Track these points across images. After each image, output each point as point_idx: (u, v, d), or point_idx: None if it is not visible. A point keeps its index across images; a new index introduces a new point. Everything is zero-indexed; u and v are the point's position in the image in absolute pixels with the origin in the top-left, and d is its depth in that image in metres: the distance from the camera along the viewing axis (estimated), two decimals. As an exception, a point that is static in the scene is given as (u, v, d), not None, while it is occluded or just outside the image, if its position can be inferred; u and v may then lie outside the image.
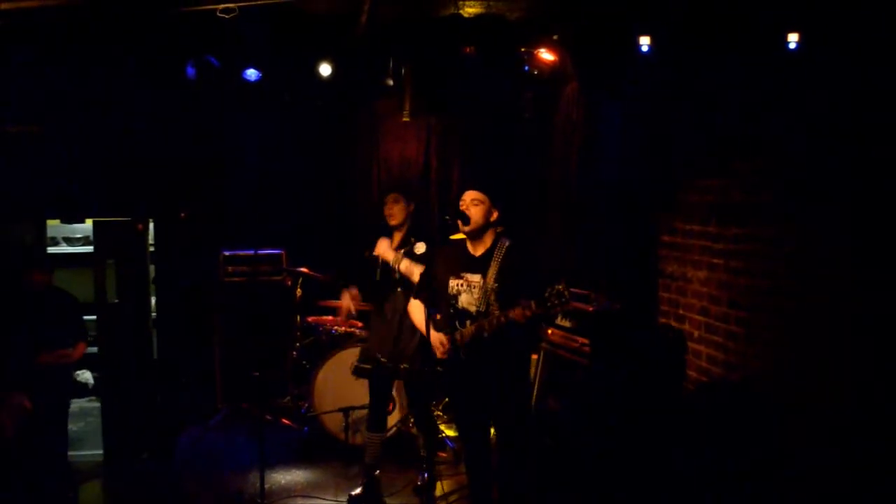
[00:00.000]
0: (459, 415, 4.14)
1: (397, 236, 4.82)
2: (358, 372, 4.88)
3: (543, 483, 4.86)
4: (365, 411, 5.34)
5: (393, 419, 5.51)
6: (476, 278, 3.92)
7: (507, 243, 3.97)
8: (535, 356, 5.53)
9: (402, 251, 4.72)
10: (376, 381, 4.88)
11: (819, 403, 4.02)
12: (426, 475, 4.89)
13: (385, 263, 4.78)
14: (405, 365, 4.68)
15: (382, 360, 4.74)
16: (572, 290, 3.71)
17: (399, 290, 4.75)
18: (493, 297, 3.87)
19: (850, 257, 3.89)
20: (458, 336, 3.92)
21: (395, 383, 5.49)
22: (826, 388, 3.98)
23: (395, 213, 4.77)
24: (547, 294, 3.62)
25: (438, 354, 3.95)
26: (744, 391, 4.67)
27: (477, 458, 4.08)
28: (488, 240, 3.99)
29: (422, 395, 4.88)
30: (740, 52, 4.56)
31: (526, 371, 4.13)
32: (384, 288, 4.83)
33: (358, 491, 4.83)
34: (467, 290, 3.93)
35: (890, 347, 3.62)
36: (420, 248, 4.72)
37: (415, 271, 4.53)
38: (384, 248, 4.78)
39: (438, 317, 4.04)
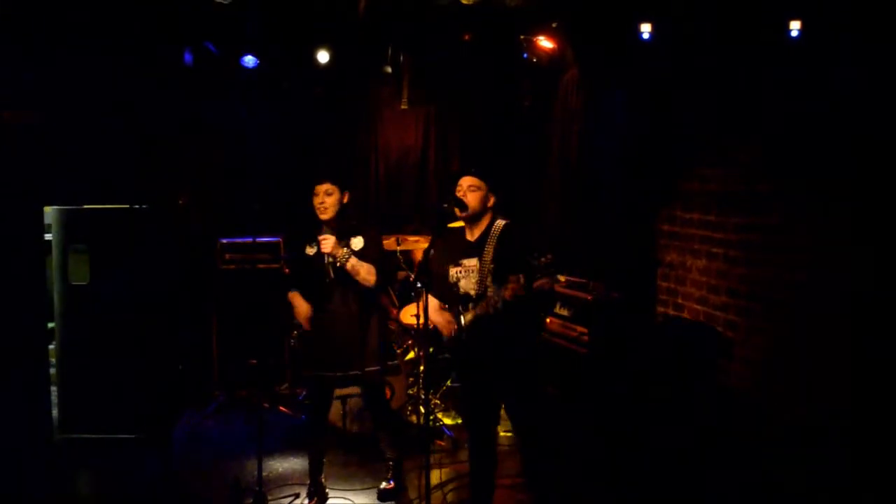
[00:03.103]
0: (463, 399, 4.12)
1: (327, 230, 4.34)
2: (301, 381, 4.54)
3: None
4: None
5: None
6: (473, 262, 3.93)
7: (502, 224, 3.97)
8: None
9: (345, 248, 4.31)
10: (317, 388, 4.56)
11: (815, 394, 4.02)
12: (392, 481, 4.68)
13: (323, 262, 4.38)
14: (356, 371, 4.41)
15: (326, 374, 4.44)
16: (569, 277, 3.68)
17: (336, 291, 4.39)
18: (489, 280, 3.87)
19: (850, 248, 3.88)
20: (461, 319, 3.92)
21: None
22: (823, 380, 3.99)
23: (329, 205, 4.31)
24: (534, 266, 3.59)
25: (445, 333, 3.96)
26: (742, 381, 4.67)
27: (480, 444, 4.07)
28: (484, 223, 3.98)
29: (379, 396, 4.70)
30: (741, 39, 4.54)
31: (533, 355, 4.07)
32: (321, 289, 4.43)
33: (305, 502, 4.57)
34: (465, 276, 3.95)
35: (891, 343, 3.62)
36: (357, 243, 4.37)
37: (359, 269, 4.26)
38: (332, 245, 4.24)
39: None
